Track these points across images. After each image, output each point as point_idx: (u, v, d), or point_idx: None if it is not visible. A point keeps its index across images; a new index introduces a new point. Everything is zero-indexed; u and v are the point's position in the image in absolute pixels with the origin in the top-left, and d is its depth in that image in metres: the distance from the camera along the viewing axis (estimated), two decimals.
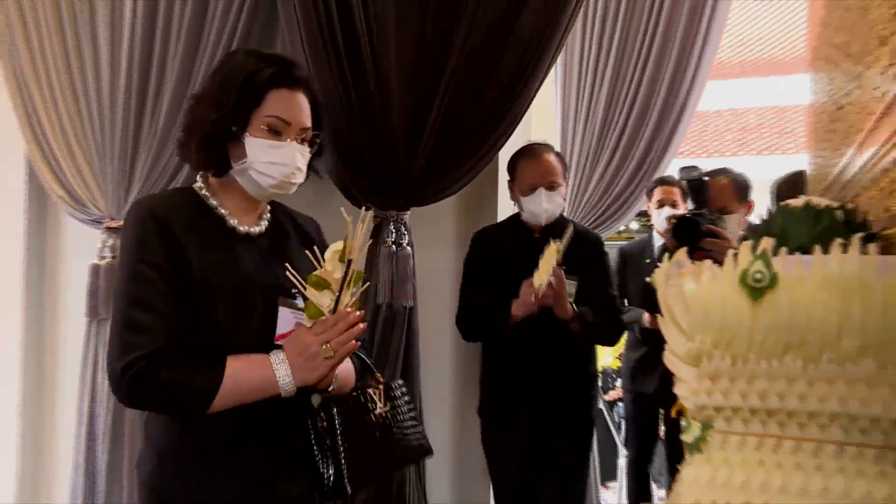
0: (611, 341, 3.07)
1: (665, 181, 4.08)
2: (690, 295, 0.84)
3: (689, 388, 0.85)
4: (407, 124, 2.79)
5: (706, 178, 2.96)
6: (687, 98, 4.27)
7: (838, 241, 0.84)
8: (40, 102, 3.07)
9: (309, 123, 1.65)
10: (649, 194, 4.12)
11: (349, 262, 1.53)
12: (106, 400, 2.98)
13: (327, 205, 2.86)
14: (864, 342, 0.80)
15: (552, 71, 3.32)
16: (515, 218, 2.97)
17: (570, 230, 2.64)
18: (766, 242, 0.82)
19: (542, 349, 2.78)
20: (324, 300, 1.55)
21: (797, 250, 0.95)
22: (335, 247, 1.56)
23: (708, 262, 0.86)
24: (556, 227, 2.80)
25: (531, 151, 2.84)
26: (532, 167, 2.80)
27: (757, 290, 0.81)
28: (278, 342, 1.58)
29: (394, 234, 2.83)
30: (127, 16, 2.91)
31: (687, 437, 0.84)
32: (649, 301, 3.58)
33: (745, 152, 13.70)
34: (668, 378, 3.24)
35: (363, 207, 1.60)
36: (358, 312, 1.57)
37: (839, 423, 0.82)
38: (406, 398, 1.79)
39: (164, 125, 2.91)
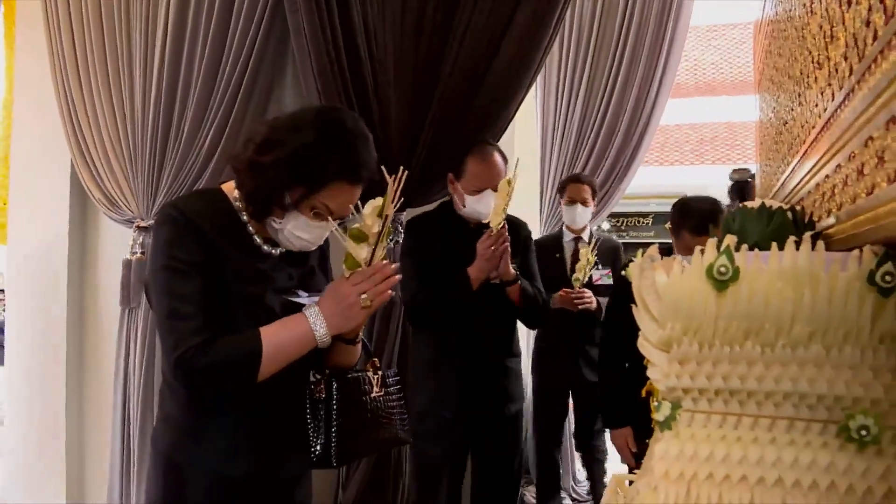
0: (539, 318, 2.69)
1: (578, 179, 3.75)
2: (662, 286, 0.83)
3: (660, 372, 0.83)
4: (403, 138, 2.77)
5: (751, 180, 2.94)
6: (651, 114, 4.29)
7: (792, 238, 0.83)
8: (83, 116, 3.05)
9: (352, 209, 1.52)
10: (561, 191, 3.77)
11: (385, 217, 1.47)
12: (136, 376, 2.96)
13: None
14: (813, 328, 0.80)
15: (532, 89, 3.31)
16: (448, 208, 2.59)
17: (517, 169, 2.33)
18: (730, 240, 0.81)
19: (478, 329, 2.47)
20: (361, 252, 1.47)
21: (754, 246, 0.94)
22: (374, 203, 1.46)
23: (678, 258, 0.85)
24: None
25: (481, 152, 2.46)
26: (482, 169, 2.43)
27: (721, 282, 0.80)
28: None
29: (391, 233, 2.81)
30: (157, 44, 2.88)
31: (658, 416, 0.83)
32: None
33: (702, 162, 13.78)
34: (572, 374, 3.16)
35: (401, 168, 1.51)
36: (394, 265, 1.50)
37: (791, 401, 0.82)
38: (397, 388, 1.72)
39: (187, 138, 2.88)
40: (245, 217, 1.52)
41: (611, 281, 3.60)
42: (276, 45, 2.95)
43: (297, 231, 1.47)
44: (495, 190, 2.39)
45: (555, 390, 3.75)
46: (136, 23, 2.93)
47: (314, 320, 1.44)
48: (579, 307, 3.43)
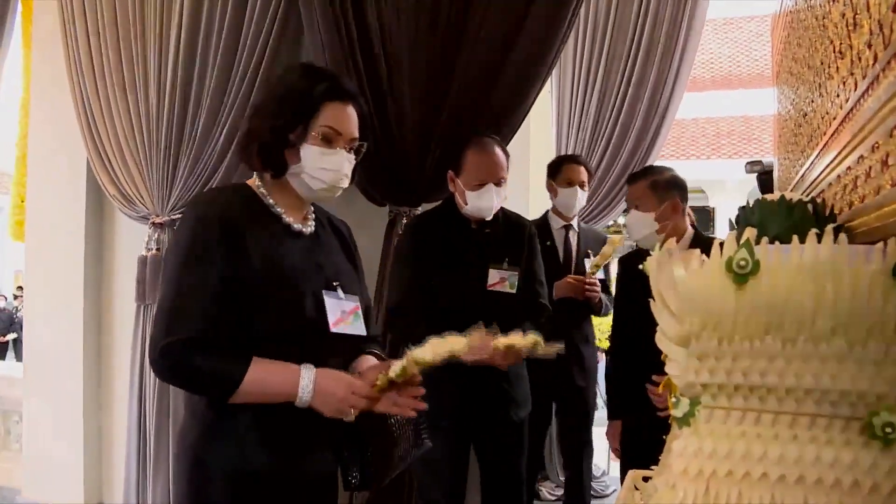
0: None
1: (575, 159, 3.42)
2: (680, 281, 0.81)
3: (678, 367, 0.82)
4: (417, 135, 2.77)
5: (770, 172, 2.90)
6: (667, 108, 4.27)
7: (813, 231, 0.81)
8: (99, 114, 3.08)
9: (357, 134, 1.62)
10: (553, 173, 3.37)
11: (403, 369, 1.52)
12: (151, 373, 2.97)
13: (350, 203, 2.84)
14: (836, 322, 0.79)
15: (548, 84, 3.29)
16: (450, 206, 2.51)
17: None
18: (750, 233, 0.79)
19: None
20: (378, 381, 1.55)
21: (774, 239, 0.92)
22: (407, 368, 1.52)
23: (696, 251, 0.84)
24: (493, 218, 2.45)
25: (481, 145, 2.38)
26: (483, 163, 2.35)
27: (741, 275, 0.78)
28: (334, 328, 1.56)
29: None
30: (172, 41, 2.90)
31: (677, 412, 0.82)
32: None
33: (718, 156, 13.73)
34: (560, 379, 3.13)
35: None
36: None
37: (812, 397, 0.80)
38: None
39: (201, 135, 2.90)
40: (271, 200, 1.59)
41: (604, 275, 3.39)
42: (290, 41, 2.95)
43: (317, 163, 1.56)
44: (497, 184, 2.34)
45: (541, 394, 3.08)
46: (151, 21, 2.94)
47: (305, 384, 1.47)
48: (586, 294, 3.17)
